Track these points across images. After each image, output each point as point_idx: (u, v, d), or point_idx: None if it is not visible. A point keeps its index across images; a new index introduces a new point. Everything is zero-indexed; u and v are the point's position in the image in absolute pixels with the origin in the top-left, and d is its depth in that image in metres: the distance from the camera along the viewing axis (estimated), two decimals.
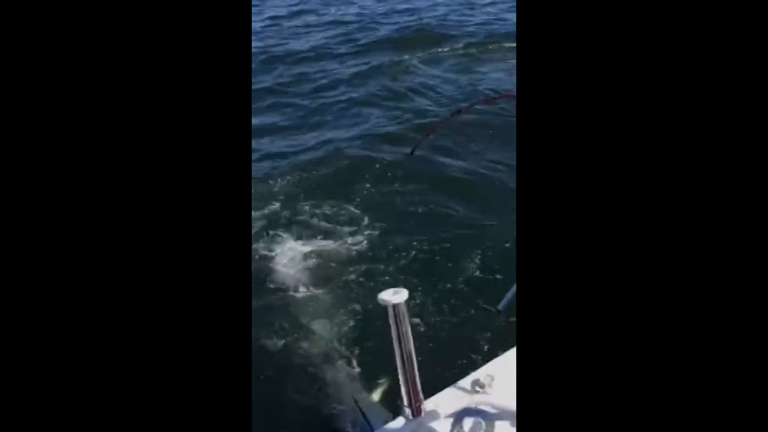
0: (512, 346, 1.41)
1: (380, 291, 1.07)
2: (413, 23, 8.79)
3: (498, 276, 3.31)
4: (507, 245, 3.42)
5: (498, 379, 1.28)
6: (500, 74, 6.30)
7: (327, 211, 4.12)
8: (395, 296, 1.03)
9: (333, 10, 10.54)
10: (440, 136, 4.06)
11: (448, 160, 4.47)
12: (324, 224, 3.98)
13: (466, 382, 1.29)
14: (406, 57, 7.25)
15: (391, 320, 1.04)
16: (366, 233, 3.82)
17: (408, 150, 3.47)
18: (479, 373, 1.30)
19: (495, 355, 1.43)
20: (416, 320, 3.02)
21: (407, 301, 1.04)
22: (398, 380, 1.09)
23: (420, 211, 4.02)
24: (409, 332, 1.06)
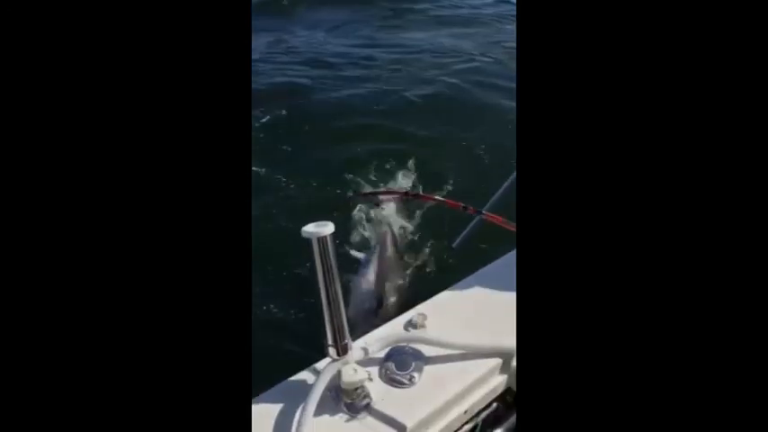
0: (445, 287, 1.40)
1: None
2: None
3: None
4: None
5: (431, 317, 1.23)
6: None
7: None
8: (320, 228, 0.96)
9: None
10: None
11: None
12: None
13: (397, 322, 1.25)
14: None
15: (316, 254, 0.97)
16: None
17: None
18: (411, 313, 1.26)
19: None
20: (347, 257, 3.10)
21: (334, 235, 0.98)
22: (323, 319, 1.02)
23: None
24: (335, 267, 1.00)
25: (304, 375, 1.12)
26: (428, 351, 1.15)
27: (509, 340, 1.13)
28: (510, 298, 1.29)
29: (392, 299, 2.84)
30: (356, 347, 1.09)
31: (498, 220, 2.61)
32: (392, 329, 1.22)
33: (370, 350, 1.11)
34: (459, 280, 1.42)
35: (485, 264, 1.49)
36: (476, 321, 1.26)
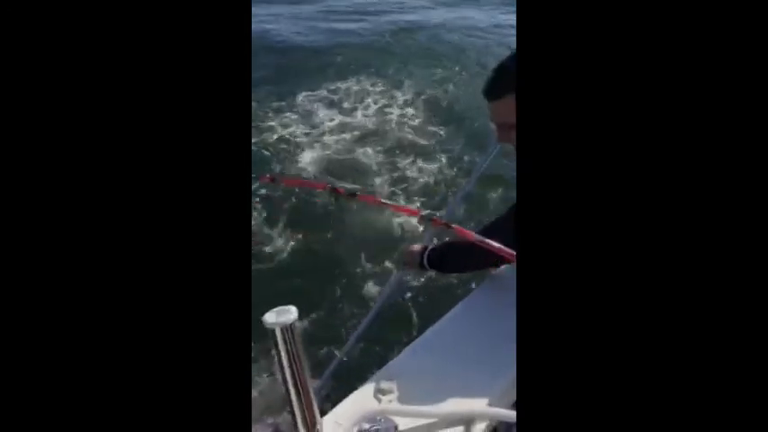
0: (409, 342, 1.42)
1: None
2: None
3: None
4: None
5: (401, 381, 1.25)
6: None
7: None
8: (284, 316, 0.89)
9: None
10: None
11: None
12: None
13: (366, 389, 1.25)
14: None
15: (280, 344, 0.90)
16: None
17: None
18: (379, 378, 1.27)
19: (394, 356, 1.39)
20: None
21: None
22: (292, 407, 0.96)
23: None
24: (302, 352, 0.92)
25: None
26: (400, 421, 1.16)
27: (471, 402, 1.19)
28: (474, 345, 1.37)
29: None
30: (326, 426, 1.06)
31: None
32: (361, 400, 1.22)
33: (341, 429, 1.11)
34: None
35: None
36: (446, 377, 1.29)
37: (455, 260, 1.71)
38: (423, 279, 3.25)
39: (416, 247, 1.79)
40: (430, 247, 1.74)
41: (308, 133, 5.25)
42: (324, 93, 5.99)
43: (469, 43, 7.65)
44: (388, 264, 3.49)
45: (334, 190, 1.78)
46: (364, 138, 5.15)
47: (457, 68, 6.76)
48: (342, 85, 6.13)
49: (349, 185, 3.76)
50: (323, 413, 1.09)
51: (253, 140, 4.96)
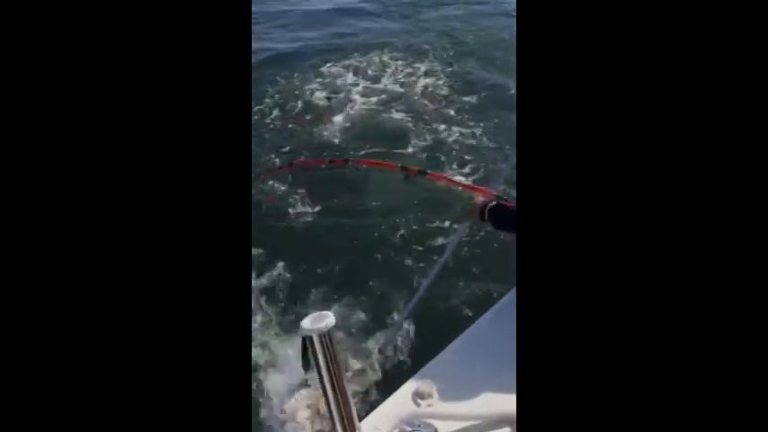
0: (447, 343, 1.39)
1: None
2: None
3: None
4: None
5: (439, 384, 1.22)
6: None
7: None
8: (321, 322, 0.91)
9: None
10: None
11: None
12: None
13: (404, 392, 1.23)
14: None
15: (318, 350, 0.92)
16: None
17: None
18: (417, 382, 1.24)
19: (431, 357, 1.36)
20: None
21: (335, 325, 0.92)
22: (329, 410, 0.97)
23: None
24: (340, 358, 0.95)
25: None
26: (440, 424, 1.13)
27: (513, 404, 1.15)
28: (513, 346, 1.34)
29: None
30: (365, 430, 1.04)
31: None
32: (400, 403, 1.20)
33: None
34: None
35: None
36: (483, 380, 1.25)
37: (513, 219, 1.72)
38: (479, 236, 3.18)
39: (480, 198, 1.81)
40: (493, 202, 1.73)
41: (331, 99, 5.29)
42: (348, 62, 6.03)
43: (493, 21, 7.47)
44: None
45: (404, 168, 1.80)
46: (391, 104, 5.16)
47: (479, 44, 6.63)
48: (365, 58, 6.18)
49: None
50: (360, 417, 1.08)
51: (276, 113, 4.99)
